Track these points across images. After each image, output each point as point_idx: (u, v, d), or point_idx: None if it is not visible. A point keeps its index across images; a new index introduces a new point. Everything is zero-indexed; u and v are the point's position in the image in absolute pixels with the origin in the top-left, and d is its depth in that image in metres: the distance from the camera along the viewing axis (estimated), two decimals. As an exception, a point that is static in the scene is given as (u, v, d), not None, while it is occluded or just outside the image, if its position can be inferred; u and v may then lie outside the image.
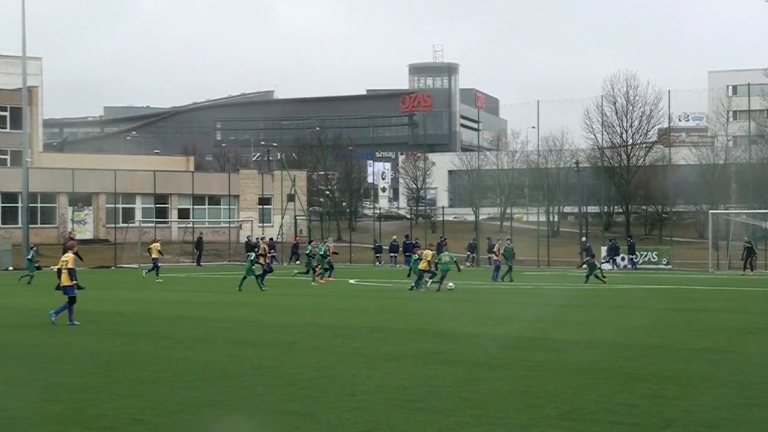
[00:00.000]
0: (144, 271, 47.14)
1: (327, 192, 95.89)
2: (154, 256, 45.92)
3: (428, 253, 36.83)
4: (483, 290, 36.83)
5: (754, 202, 65.59)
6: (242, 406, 11.66)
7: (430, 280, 35.61)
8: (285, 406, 11.65)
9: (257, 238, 54.29)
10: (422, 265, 35.91)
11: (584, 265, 41.90)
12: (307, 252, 45.06)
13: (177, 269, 57.27)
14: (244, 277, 36.55)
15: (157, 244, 47.38)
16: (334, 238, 67.20)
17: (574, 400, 11.73)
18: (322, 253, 43.47)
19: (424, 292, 34.57)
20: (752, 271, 50.97)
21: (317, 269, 42.99)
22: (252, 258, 37.17)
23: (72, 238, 31.85)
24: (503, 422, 10.51)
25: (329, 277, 43.12)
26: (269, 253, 41.87)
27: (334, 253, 47.09)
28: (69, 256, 22.42)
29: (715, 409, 10.95)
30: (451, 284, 34.95)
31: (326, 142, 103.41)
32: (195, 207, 79.79)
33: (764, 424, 10.17)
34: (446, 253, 37.55)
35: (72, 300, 22.05)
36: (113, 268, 60.75)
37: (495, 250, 43.92)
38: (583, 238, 63.81)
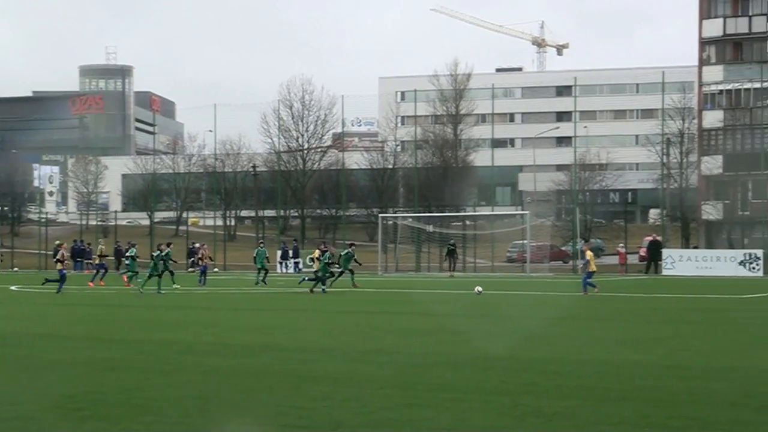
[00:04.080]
0: None
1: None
2: None
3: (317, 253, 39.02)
4: (157, 296, 36.22)
5: (420, 205, 68.71)
6: None
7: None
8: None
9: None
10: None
11: None
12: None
13: None
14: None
15: None
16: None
17: (247, 404, 11.74)
18: (133, 254, 40.81)
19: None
20: (453, 272, 53.34)
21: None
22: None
23: None
24: (175, 428, 10.33)
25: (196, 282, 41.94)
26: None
27: (209, 258, 46.21)
28: None
29: (381, 410, 11.26)
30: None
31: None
32: None
33: (426, 423, 10.59)
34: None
35: None
36: None
37: (201, 254, 44.36)
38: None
